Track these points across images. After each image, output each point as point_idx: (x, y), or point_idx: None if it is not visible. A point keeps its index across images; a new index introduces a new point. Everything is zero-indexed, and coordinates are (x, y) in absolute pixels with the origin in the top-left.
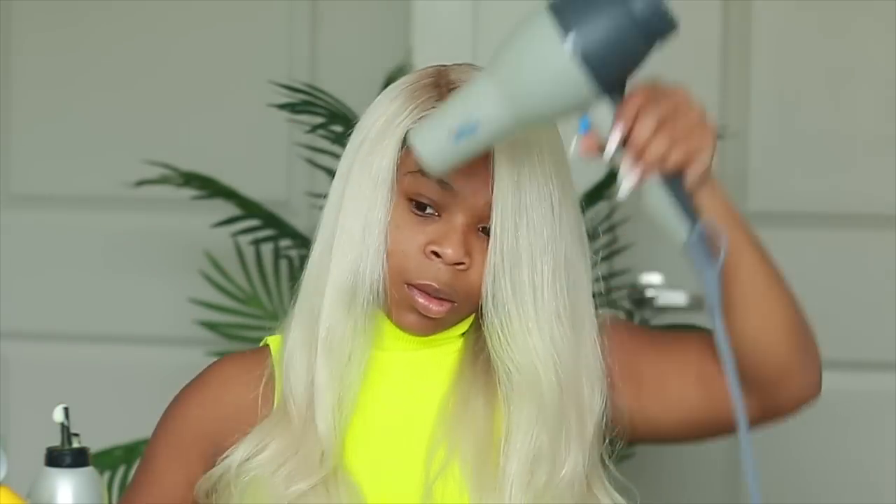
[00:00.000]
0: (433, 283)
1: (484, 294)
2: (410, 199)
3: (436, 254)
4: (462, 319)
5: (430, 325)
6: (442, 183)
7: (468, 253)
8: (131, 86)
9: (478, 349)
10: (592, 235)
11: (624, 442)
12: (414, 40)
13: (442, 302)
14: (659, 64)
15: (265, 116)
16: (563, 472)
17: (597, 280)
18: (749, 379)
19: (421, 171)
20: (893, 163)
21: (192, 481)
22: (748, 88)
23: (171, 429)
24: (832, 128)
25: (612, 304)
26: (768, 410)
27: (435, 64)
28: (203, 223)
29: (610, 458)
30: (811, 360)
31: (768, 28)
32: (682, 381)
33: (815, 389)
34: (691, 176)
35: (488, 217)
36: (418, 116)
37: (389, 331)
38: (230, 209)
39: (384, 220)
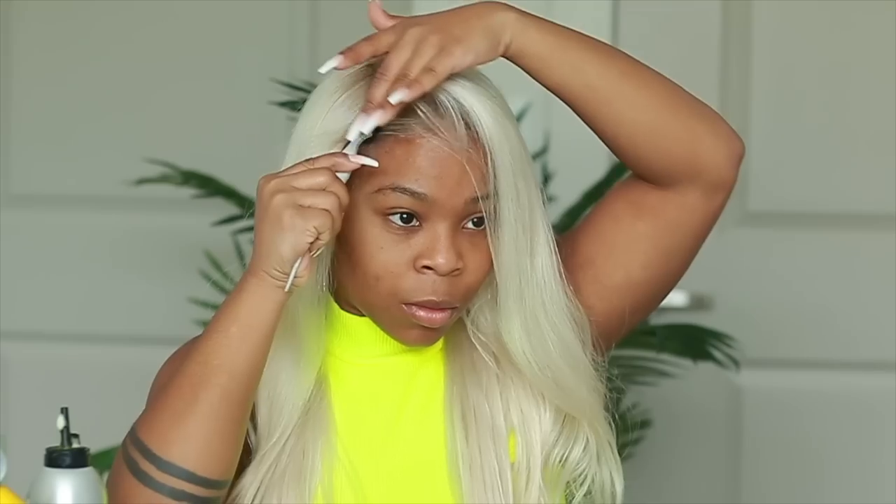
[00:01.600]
0: (433, 298)
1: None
2: (386, 216)
3: (428, 267)
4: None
5: (435, 334)
6: (415, 193)
7: (460, 256)
8: (131, 85)
9: (459, 339)
10: None
11: (614, 340)
12: None
13: (444, 310)
14: (659, 64)
15: (265, 115)
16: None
17: None
18: (672, 168)
19: (390, 187)
20: (893, 163)
21: None
22: (748, 88)
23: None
24: (832, 128)
25: None
26: (710, 187)
27: None
28: (203, 222)
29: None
30: (710, 118)
31: (768, 28)
32: (619, 224)
33: (735, 141)
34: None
35: (470, 212)
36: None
37: (369, 337)
38: (230, 208)
39: None
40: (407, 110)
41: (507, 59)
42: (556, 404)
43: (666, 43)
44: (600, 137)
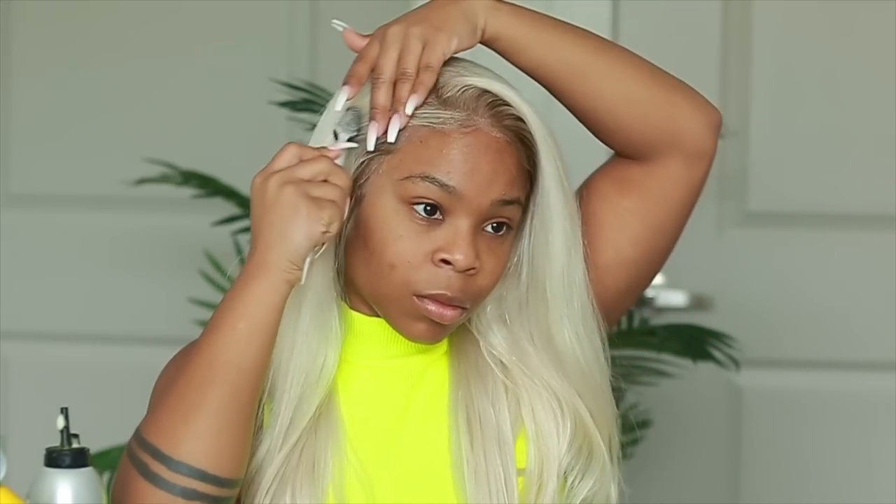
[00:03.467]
0: (446, 293)
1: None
2: (411, 205)
3: (445, 261)
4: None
5: (441, 331)
6: (444, 185)
7: (478, 256)
8: (131, 85)
9: (464, 345)
10: None
11: (611, 323)
12: None
13: (455, 308)
14: (659, 64)
15: (265, 115)
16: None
17: None
18: (653, 137)
19: (420, 176)
20: (893, 163)
21: None
22: (748, 88)
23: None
24: (832, 128)
25: None
26: (691, 157)
27: None
28: (203, 222)
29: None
30: (685, 88)
31: (768, 28)
32: (606, 202)
33: (711, 110)
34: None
35: (493, 215)
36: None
37: (380, 337)
38: (230, 208)
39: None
40: (447, 104)
41: (482, 43)
42: (582, 409)
43: (666, 43)
44: (579, 115)
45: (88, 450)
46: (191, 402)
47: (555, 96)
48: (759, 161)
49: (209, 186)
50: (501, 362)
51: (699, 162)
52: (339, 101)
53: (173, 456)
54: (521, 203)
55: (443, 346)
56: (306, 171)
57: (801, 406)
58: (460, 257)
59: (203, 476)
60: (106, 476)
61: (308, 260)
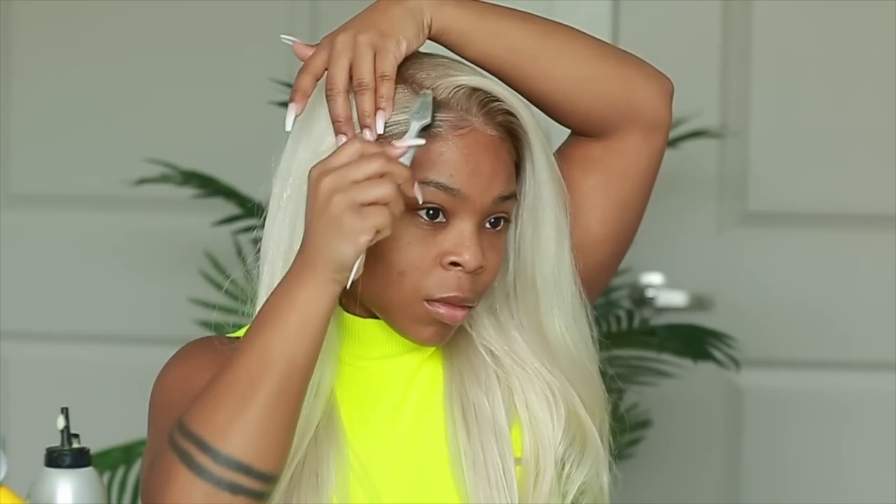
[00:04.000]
0: (458, 294)
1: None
2: (415, 211)
3: (455, 263)
4: None
5: (449, 332)
6: (449, 189)
7: (483, 254)
8: (131, 85)
9: (456, 338)
10: None
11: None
12: None
13: (464, 308)
14: (659, 64)
15: (265, 115)
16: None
17: None
18: (609, 112)
19: (423, 182)
20: (893, 163)
21: None
22: (748, 88)
23: (168, 405)
24: (832, 127)
25: (612, 304)
26: (648, 128)
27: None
28: (203, 222)
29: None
30: (636, 61)
31: (768, 28)
32: (569, 184)
33: (664, 79)
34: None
35: (493, 211)
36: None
37: (376, 338)
38: (230, 208)
39: None
40: (440, 106)
41: (430, 39)
42: (574, 397)
43: (666, 43)
44: (534, 99)
45: (89, 450)
46: (241, 397)
47: (507, 84)
48: (759, 161)
49: (209, 186)
50: (492, 352)
51: (656, 132)
52: (289, 121)
53: (221, 449)
54: (515, 196)
55: None
56: (360, 172)
57: (801, 406)
58: (469, 258)
59: (248, 471)
60: (106, 476)
61: (356, 265)
